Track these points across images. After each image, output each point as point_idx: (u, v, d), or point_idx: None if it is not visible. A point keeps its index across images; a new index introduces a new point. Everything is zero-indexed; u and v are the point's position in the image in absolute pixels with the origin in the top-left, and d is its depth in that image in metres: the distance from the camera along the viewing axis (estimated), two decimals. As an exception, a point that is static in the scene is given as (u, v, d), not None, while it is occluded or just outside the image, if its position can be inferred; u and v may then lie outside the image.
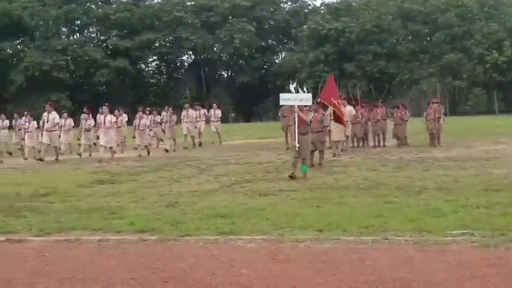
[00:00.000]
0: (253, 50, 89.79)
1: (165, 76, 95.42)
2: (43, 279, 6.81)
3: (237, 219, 9.76)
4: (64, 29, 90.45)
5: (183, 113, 30.25)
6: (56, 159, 23.63)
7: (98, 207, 11.53)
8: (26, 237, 9.05)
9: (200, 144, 30.11)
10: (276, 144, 27.01)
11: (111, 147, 23.50)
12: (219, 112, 32.53)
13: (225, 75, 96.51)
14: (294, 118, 15.86)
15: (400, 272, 6.73)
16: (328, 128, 20.03)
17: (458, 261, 7.11)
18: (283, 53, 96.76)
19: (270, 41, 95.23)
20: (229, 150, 26.71)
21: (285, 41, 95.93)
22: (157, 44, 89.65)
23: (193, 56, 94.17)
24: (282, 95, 16.77)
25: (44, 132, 23.82)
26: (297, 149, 15.51)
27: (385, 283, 6.38)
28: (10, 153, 27.89)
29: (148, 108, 30.17)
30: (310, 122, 16.19)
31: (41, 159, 23.06)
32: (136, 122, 26.06)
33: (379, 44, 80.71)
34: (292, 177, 15.06)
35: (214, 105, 33.38)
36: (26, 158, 24.81)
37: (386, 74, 79.57)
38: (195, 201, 11.85)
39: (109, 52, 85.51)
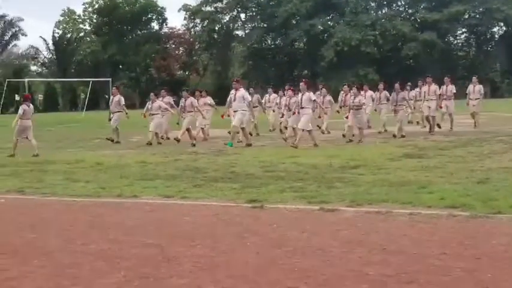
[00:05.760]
0: None
1: (474, 49, 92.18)
2: (356, 249, 7.03)
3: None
4: (373, 4, 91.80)
5: (417, 89, 26.69)
6: (247, 144, 20.73)
7: (407, 180, 11.60)
8: (339, 207, 9.37)
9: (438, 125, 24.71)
10: None
11: (309, 131, 20.05)
12: (452, 88, 26.03)
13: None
14: None
15: None
16: None
17: None
18: None
19: None
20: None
21: None
22: (466, 16, 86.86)
23: (504, 28, 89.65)
24: None
25: (231, 112, 21.71)
26: None
27: None
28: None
29: (321, 84, 26.05)
30: None
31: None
32: (320, 99, 24.41)
33: None
34: None
35: (446, 79, 26.57)
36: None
37: None
38: (507, 178, 11.40)
39: (417, 25, 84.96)
